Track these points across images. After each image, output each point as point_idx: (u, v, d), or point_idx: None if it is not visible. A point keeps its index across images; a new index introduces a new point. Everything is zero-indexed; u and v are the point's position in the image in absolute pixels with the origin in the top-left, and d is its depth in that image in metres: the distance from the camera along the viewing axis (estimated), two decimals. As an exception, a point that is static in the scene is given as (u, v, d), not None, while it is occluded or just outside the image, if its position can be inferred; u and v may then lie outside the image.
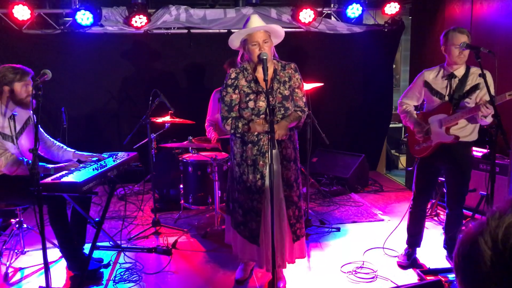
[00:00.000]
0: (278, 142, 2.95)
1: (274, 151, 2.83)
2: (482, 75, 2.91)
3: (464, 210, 4.24)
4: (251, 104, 2.92)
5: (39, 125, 2.79)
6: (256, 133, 2.94)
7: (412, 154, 3.47)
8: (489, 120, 3.02)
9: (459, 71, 3.18)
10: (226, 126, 2.99)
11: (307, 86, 4.79)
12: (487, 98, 2.94)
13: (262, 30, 2.87)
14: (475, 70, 3.17)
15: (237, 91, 2.96)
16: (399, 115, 3.48)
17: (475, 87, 3.16)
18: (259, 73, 2.95)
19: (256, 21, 2.91)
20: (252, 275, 3.33)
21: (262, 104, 2.91)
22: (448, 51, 3.13)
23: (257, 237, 3.02)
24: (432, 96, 3.26)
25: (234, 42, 2.98)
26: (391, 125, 6.91)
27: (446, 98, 3.20)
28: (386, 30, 6.22)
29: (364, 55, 6.35)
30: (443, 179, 3.51)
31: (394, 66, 6.67)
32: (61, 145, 3.54)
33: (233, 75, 2.98)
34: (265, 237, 3.01)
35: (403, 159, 6.90)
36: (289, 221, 3.04)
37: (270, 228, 2.92)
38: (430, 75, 3.29)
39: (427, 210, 4.48)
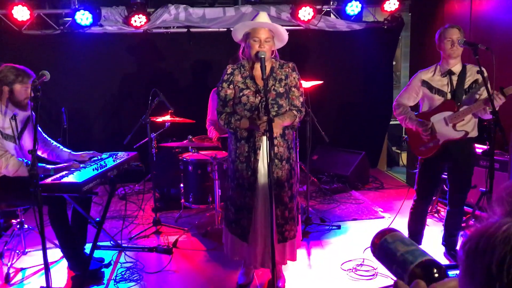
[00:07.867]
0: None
1: (265, 148, 2.83)
2: (480, 72, 2.91)
3: (464, 207, 4.25)
4: (244, 99, 2.88)
5: (38, 125, 2.79)
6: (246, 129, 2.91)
7: (416, 155, 3.40)
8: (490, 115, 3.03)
9: (456, 68, 3.19)
10: (220, 120, 2.98)
11: (307, 84, 4.80)
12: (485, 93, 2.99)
13: (267, 28, 2.84)
14: (471, 67, 3.20)
15: (231, 86, 2.94)
16: (397, 117, 3.45)
17: (475, 82, 3.18)
18: (257, 71, 2.92)
19: (263, 18, 2.89)
20: (254, 278, 3.29)
21: (255, 100, 2.88)
22: (441, 46, 3.17)
23: (247, 235, 3.00)
24: (433, 94, 3.23)
25: (237, 33, 2.94)
26: (391, 122, 6.90)
27: (449, 95, 3.19)
28: (385, 27, 6.22)
29: (364, 53, 6.33)
30: (445, 176, 3.50)
31: (394, 63, 6.66)
32: (58, 145, 3.54)
33: (229, 71, 2.97)
34: (254, 235, 2.99)
35: (404, 156, 6.88)
36: (276, 221, 2.93)
37: (259, 226, 2.94)
38: (427, 74, 3.28)
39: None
